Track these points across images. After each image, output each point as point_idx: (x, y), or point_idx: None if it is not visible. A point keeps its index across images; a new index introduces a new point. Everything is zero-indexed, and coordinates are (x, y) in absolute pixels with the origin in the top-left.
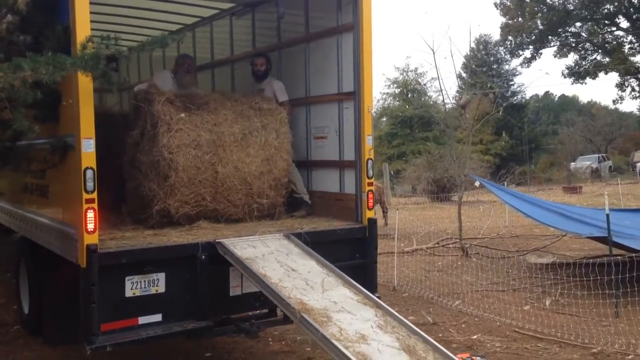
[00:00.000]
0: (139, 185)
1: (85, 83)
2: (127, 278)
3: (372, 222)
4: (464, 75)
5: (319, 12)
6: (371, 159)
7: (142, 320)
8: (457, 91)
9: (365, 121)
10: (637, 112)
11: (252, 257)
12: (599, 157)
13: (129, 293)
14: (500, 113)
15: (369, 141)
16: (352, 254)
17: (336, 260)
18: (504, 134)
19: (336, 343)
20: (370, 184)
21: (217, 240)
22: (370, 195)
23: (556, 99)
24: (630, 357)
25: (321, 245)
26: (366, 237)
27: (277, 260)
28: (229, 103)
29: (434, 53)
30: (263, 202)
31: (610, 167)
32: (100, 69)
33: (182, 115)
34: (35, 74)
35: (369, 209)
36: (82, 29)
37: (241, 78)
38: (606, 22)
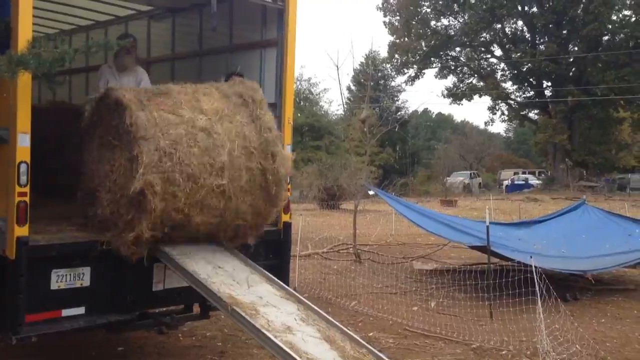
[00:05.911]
0: (108, 203)
1: (24, 79)
2: (53, 271)
3: (287, 225)
4: (352, 87)
5: (243, 25)
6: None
7: (66, 312)
8: (347, 103)
9: (286, 131)
10: (504, 134)
11: (181, 255)
12: (470, 173)
13: (54, 286)
14: (397, 129)
15: (288, 150)
16: (267, 254)
17: (252, 260)
18: (397, 148)
19: (267, 333)
20: (287, 190)
21: None
22: (287, 200)
23: (433, 116)
24: (503, 352)
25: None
26: (281, 239)
27: (204, 258)
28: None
29: (337, 69)
30: None
31: (480, 183)
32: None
33: None
34: None
35: (285, 213)
36: (25, 26)
37: (158, 79)
38: (482, 49)
